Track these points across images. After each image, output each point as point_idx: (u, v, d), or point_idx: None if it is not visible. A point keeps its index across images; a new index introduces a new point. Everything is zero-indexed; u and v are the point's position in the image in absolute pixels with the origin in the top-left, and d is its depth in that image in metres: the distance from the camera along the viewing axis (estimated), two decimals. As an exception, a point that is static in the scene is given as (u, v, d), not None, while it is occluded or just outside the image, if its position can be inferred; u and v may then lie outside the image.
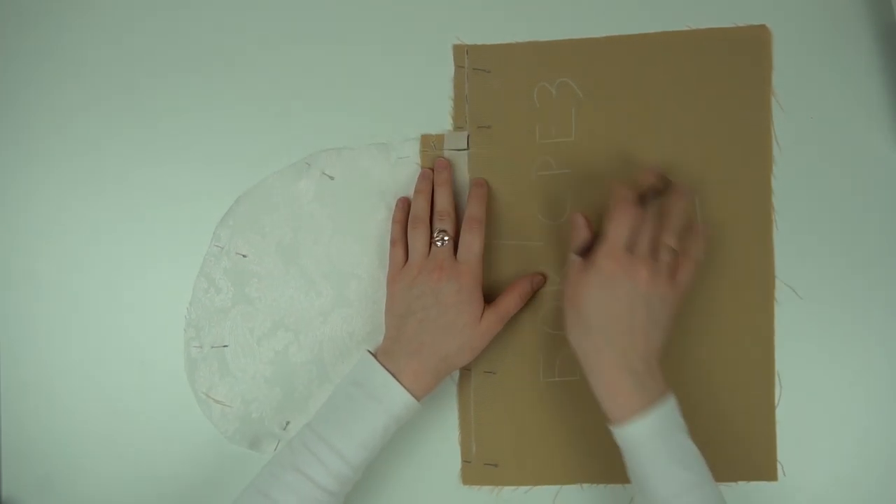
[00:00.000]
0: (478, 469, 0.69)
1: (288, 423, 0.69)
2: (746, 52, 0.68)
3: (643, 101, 0.68)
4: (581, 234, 0.65)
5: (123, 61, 0.72)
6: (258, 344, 0.70)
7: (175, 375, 0.70)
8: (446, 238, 0.65)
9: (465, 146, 0.69)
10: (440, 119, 0.70)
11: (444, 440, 0.69)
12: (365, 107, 0.70)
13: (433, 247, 0.65)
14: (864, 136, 0.68)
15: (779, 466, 0.67)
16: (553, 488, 0.69)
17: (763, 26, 0.68)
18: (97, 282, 0.71)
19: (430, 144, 0.70)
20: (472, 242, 0.65)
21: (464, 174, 0.70)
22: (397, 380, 0.61)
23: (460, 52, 0.70)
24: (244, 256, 0.70)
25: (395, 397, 0.61)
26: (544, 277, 0.69)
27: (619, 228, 0.60)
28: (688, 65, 0.68)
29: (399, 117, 0.70)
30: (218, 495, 0.69)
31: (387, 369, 0.62)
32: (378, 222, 0.70)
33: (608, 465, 0.67)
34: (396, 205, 0.69)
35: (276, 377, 0.70)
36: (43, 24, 0.72)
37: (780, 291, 0.68)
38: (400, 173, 0.70)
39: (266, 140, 0.71)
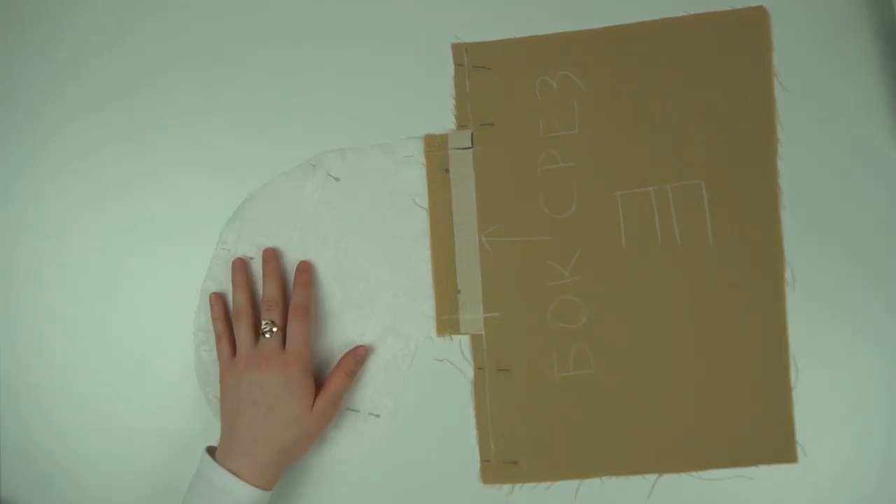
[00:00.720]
0: (497, 467, 0.69)
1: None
2: (745, 34, 0.68)
3: (645, 89, 0.68)
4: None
5: (125, 63, 0.72)
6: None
7: (175, 376, 0.70)
8: (274, 329, 0.65)
9: (470, 144, 0.69)
10: (443, 118, 0.70)
11: (462, 440, 0.69)
12: (367, 109, 0.70)
13: (261, 338, 0.65)
14: (863, 113, 0.68)
15: (798, 448, 0.67)
16: (574, 483, 0.68)
17: (761, 7, 0.68)
18: (98, 282, 0.71)
19: (434, 144, 0.70)
20: (298, 331, 0.65)
21: (469, 172, 0.69)
22: (239, 477, 0.61)
23: (459, 50, 0.70)
24: (251, 259, 0.70)
25: (242, 493, 0.61)
26: (367, 350, 0.69)
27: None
28: (688, 50, 0.68)
29: (402, 118, 0.70)
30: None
31: (226, 469, 0.61)
32: (385, 223, 0.70)
33: (628, 456, 0.68)
34: (211, 301, 0.69)
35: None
36: (46, 25, 0.72)
37: (788, 272, 0.68)
38: (405, 173, 0.70)
39: (270, 142, 0.71)
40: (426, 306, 0.69)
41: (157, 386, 0.70)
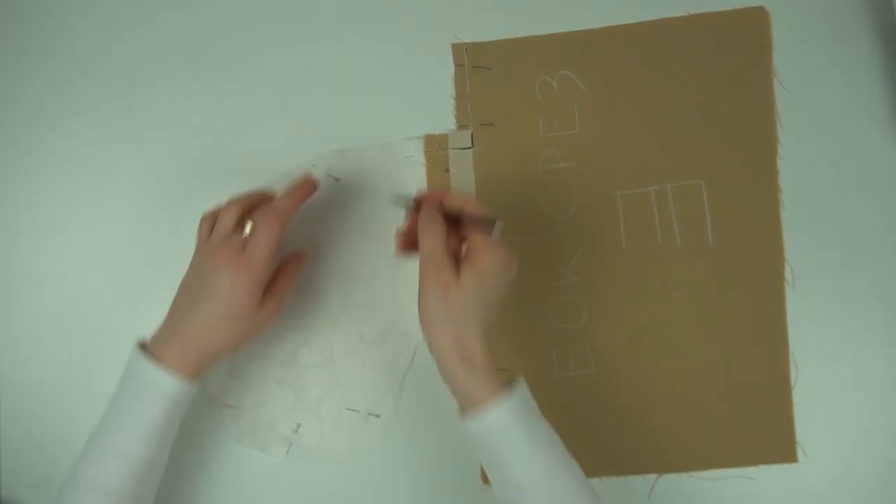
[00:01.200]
0: (497, 467, 0.69)
1: (299, 425, 0.69)
2: (745, 34, 0.68)
3: (645, 89, 0.69)
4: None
5: (125, 63, 0.72)
6: (268, 347, 0.70)
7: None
8: (247, 230, 0.61)
9: (470, 144, 0.69)
10: (443, 118, 0.70)
11: (462, 440, 0.69)
12: (367, 109, 0.70)
13: (237, 232, 0.61)
14: (863, 113, 0.69)
15: (799, 448, 0.67)
16: (573, 482, 0.69)
17: (761, 7, 0.68)
18: (98, 282, 0.71)
19: (434, 144, 0.70)
20: (259, 238, 0.59)
21: (469, 173, 0.69)
22: (161, 367, 0.58)
23: (459, 50, 0.70)
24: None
25: (165, 386, 0.58)
26: (307, 252, 0.67)
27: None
28: (688, 50, 0.69)
29: (402, 118, 0.70)
30: (218, 495, 0.69)
31: (152, 358, 0.58)
32: (384, 223, 0.70)
33: (627, 456, 0.68)
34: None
35: (286, 380, 0.70)
36: (45, 23, 0.72)
37: (788, 273, 0.68)
38: (405, 173, 0.70)
39: (270, 142, 0.71)
40: (427, 306, 0.69)
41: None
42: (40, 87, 0.72)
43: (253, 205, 0.63)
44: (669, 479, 0.68)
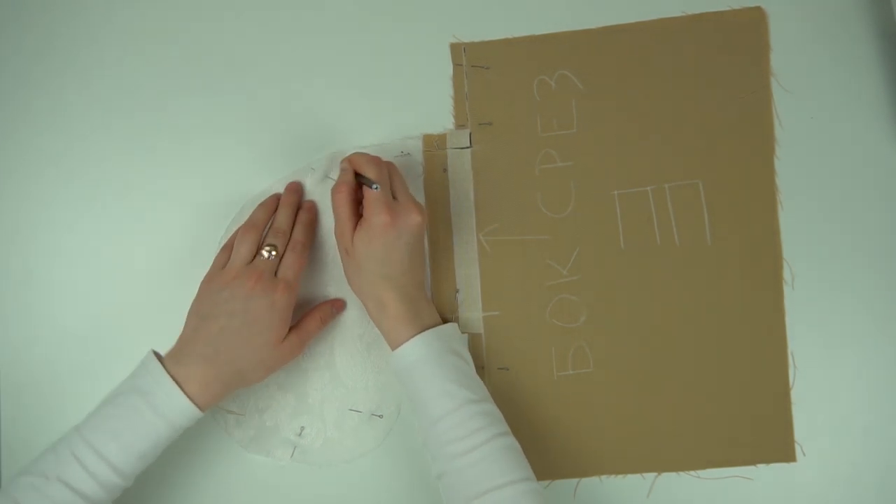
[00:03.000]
0: (496, 466, 0.69)
1: (303, 428, 0.69)
2: (743, 33, 0.69)
3: (643, 88, 0.69)
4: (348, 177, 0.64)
5: (125, 64, 0.72)
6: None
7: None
8: (273, 253, 0.64)
9: (468, 144, 0.69)
10: (441, 118, 0.70)
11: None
12: (366, 108, 0.70)
13: (258, 257, 0.64)
14: (862, 113, 0.69)
15: (797, 447, 0.67)
16: (572, 481, 0.68)
17: (758, 8, 0.69)
18: (98, 282, 0.71)
19: (432, 144, 0.70)
20: (293, 262, 0.64)
21: (467, 171, 0.69)
22: (182, 389, 0.59)
23: (457, 50, 0.70)
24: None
25: (179, 409, 0.59)
26: (344, 302, 0.69)
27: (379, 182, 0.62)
28: (686, 50, 0.69)
29: (401, 118, 0.70)
30: (217, 495, 0.69)
31: (172, 377, 0.59)
32: (384, 224, 0.70)
33: (626, 455, 0.68)
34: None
35: (288, 383, 0.69)
36: (47, 25, 0.72)
37: (787, 272, 0.68)
38: (404, 172, 0.69)
39: (268, 143, 0.71)
40: (425, 306, 0.70)
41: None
42: (41, 87, 0.72)
43: (258, 225, 0.66)
44: (668, 478, 0.68)
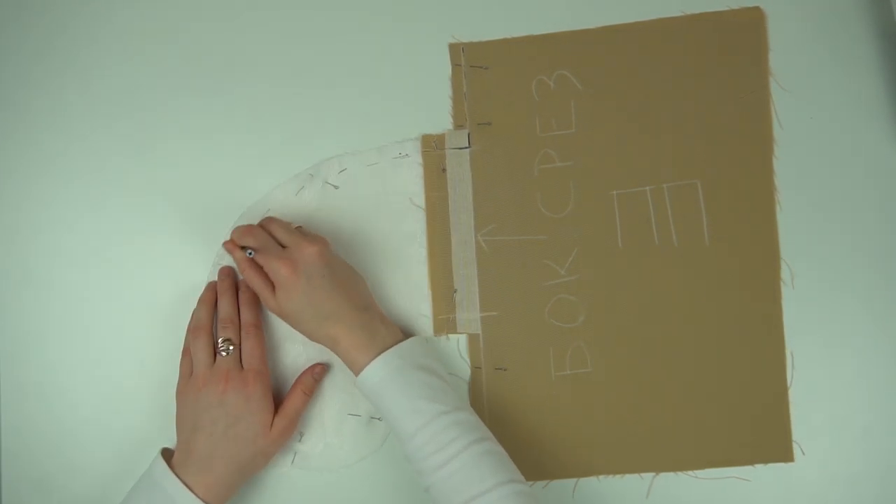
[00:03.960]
0: (495, 466, 0.69)
1: (302, 434, 0.69)
2: (742, 33, 0.69)
3: (642, 88, 0.69)
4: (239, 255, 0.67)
5: (126, 65, 0.72)
6: (267, 357, 0.70)
7: (176, 376, 0.70)
8: (231, 347, 0.65)
9: (467, 144, 0.69)
10: (440, 118, 0.70)
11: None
12: (365, 109, 0.70)
13: (218, 356, 0.65)
14: (861, 113, 0.69)
15: (796, 447, 0.67)
16: (570, 481, 0.69)
17: (757, 8, 0.69)
18: (99, 282, 0.71)
19: (431, 144, 0.70)
20: (252, 348, 0.65)
21: (466, 172, 0.70)
22: (193, 492, 0.61)
23: (456, 50, 0.70)
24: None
25: None
26: (325, 367, 0.69)
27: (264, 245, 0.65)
28: (684, 50, 0.69)
29: (399, 118, 0.70)
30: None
31: (182, 481, 0.61)
32: (382, 224, 0.70)
33: (625, 455, 0.68)
34: (193, 315, 0.69)
35: (287, 390, 0.69)
36: (48, 26, 0.72)
37: (786, 272, 0.68)
38: (402, 173, 0.70)
39: (268, 143, 0.71)
40: (423, 306, 0.70)
41: (157, 386, 0.70)
42: (41, 87, 0.72)
43: (204, 325, 0.67)
44: (666, 478, 0.68)
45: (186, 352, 0.67)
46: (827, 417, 0.68)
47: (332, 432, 0.69)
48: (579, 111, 0.69)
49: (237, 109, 0.71)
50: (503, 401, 0.69)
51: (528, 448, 0.69)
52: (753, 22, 0.68)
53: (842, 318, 0.68)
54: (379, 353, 0.62)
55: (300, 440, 0.69)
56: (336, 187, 0.70)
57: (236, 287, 0.69)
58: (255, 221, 0.69)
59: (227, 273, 0.69)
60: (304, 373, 0.68)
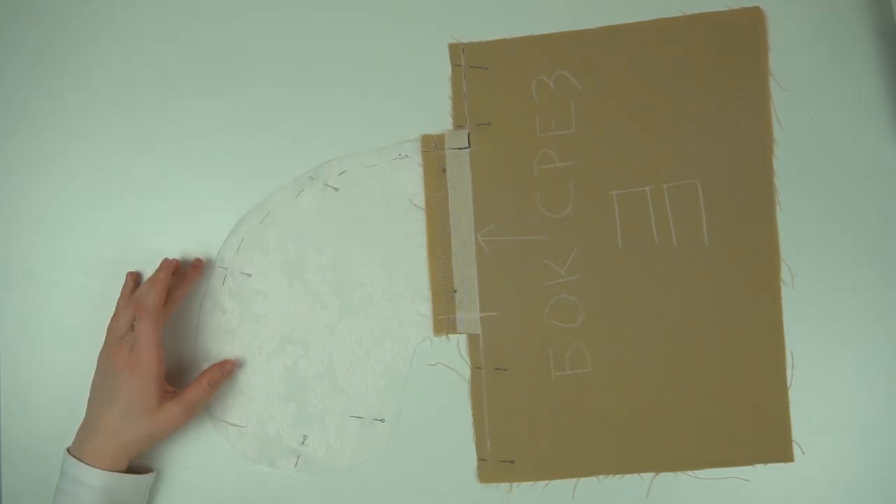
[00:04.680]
0: (494, 466, 0.69)
1: (305, 437, 0.69)
2: (742, 33, 0.69)
3: (642, 88, 0.69)
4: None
5: (127, 65, 0.72)
6: (268, 361, 0.70)
7: (173, 376, 0.70)
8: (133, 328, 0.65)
9: (467, 144, 0.69)
10: (440, 118, 0.70)
11: (458, 439, 0.69)
12: (364, 109, 0.71)
13: (130, 332, 0.65)
14: (861, 113, 0.69)
15: (795, 447, 0.67)
16: (570, 482, 0.68)
17: (756, 8, 0.68)
18: (98, 282, 0.71)
19: (431, 144, 0.70)
20: (140, 333, 0.64)
21: (466, 172, 0.70)
22: (86, 463, 0.62)
23: (456, 50, 0.70)
24: (249, 276, 0.70)
25: (94, 477, 0.62)
26: (234, 364, 0.69)
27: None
28: (684, 50, 0.69)
29: (399, 118, 0.70)
30: (216, 494, 0.69)
31: (75, 457, 0.63)
32: (382, 224, 0.70)
33: (625, 455, 0.68)
34: (126, 279, 0.70)
35: (288, 393, 0.70)
36: (48, 25, 0.72)
37: (786, 272, 0.68)
38: (402, 173, 0.70)
39: (268, 144, 0.71)
40: (423, 307, 0.70)
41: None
42: (41, 87, 0.72)
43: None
44: (666, 478, 0.68)
45: (115, 316, 0.67)
46: (827, 417, 0.68)
47: (334, 435, 0.69)
48: (579, 111, 0.69)
49: (237, 109, 0.71)
50: (503, 401, 0.69)
51: (527, 448, 0.69)
52: (753, 22, 0.69)
53: (842, 318, 0.68)
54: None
55: (303, 443, 0.69)
56: (336, 189, 0.70)
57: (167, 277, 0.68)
58: (257, 222, 0.70)
59: (167, 266, 0.68)
60: (213, 365, 0.68)
